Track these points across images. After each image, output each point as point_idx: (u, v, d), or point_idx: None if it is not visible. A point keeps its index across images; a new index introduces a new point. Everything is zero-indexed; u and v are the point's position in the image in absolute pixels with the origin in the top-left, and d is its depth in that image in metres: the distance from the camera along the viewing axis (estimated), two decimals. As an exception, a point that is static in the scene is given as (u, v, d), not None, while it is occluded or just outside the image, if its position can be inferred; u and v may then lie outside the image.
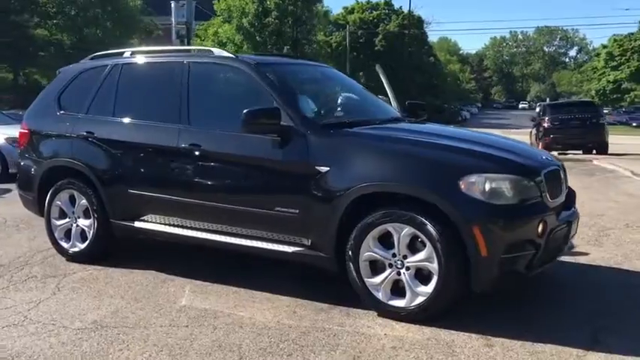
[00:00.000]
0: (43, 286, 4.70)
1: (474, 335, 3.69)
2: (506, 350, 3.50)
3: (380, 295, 3.99)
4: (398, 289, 3.97)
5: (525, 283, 4.39)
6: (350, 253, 4.04)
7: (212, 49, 5.21)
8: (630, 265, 5.24)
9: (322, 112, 4.80)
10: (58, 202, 5.39)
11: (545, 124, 19.16)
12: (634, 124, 48.63)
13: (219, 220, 4.59)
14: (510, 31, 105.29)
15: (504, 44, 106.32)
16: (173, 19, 21.85)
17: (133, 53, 5.38)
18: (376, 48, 60.32)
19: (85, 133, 5.20)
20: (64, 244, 5.42)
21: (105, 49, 6.18)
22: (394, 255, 3.93)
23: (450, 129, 5.37)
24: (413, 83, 55.17)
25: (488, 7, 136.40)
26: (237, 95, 4.89)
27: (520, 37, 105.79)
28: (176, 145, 4.70)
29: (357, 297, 4.14)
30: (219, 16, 33.43)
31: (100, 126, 5.16)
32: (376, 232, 3.95)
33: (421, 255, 3.82)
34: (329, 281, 4.55)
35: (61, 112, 5.46)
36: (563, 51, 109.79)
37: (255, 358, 3.41)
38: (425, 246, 3.80)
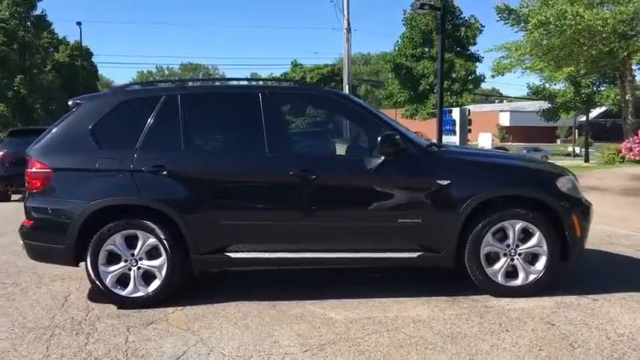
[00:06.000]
0: (167, 333, 4.30)
1: (578, 296, 4.97)
2: (608, 301, 4.88)
3: (499, 280, 4.98)
4: (509, 273, 5.01)
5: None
6: (470, 249, 4.93)
7: (293, 81, 5.45)
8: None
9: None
10: (111, 246, 4.86)
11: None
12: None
13: (335, 238, 4.94)
14: (156, 66, 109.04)
15: (151, 78, 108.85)
16: None
17: (187, 84, 5.23)
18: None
19: (152, 168, 4.86)
20: (119, 292, 4.89)
21: None
22: (508, 245, 4.97)
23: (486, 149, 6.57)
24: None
25: (135, 42, 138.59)
26: (336, 123, 5.28)
27: (167, 72, 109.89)
28: (283, 172, 4.86)
29: (451, 288, 5.05)
30: None
31: (173, 159, 4.90)
32: (494, 229, 4.94)
33: (533, 241, 4.95)
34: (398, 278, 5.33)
35: (102, 147, 4.94)
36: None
37: (491, 335, 4.09)
38: (534, 234, 4.94)
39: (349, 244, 4.97)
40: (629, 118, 25.76)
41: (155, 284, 4.90)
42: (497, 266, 4.98)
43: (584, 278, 5.58)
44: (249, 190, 4.96)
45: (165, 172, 4.85)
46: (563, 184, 5.05)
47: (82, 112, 5.10)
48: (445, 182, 4.90)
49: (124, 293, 4.90)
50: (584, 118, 44.11)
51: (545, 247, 4.94)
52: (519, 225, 4.93)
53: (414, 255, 4.93)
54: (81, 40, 51.92)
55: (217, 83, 5.39)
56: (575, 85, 37.08)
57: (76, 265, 5.02)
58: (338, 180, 4.98)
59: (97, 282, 4.89)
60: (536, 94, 38.82)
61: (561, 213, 4.93)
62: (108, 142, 4.98)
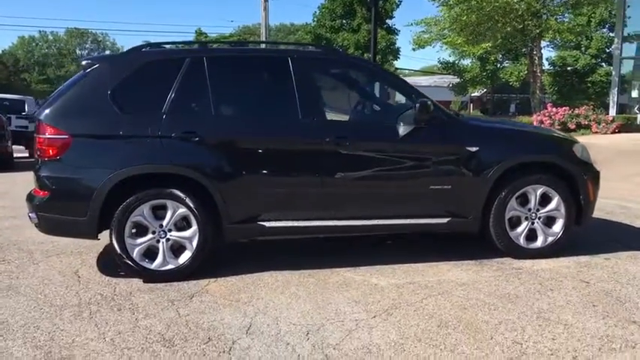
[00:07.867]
0: (218, 305, 4.11)
1: (590, 256, 5.29)
2: (619, 259, 5.24)
3: (521, 242, 5.19)
4: (528, 236, 5.23)
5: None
6: (495, 214, 5.10)
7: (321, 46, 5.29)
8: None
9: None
10: (138, 217, 4.58)
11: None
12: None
13: (370, 205, 4.94)
14: (40, 31, 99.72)
15: (34, 44, 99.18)
16: None
17: (209, 46, 4.97)
18: None
19: (182, 134, 4.61)
20: (148, 265, 4.65)
21: None
22: (529, 210, 5.18)
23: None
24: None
25: (15, 3, 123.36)
26: (368, 89, 5.21)
27: (51, 37, 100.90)
28: (319, 138, 4.78)
29: (471, 251, 5.23)
30: None
31: (204, 125, 4.67)
32: (518, 193, 5.13)
33: (552, 205, 5.19)
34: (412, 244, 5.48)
35: (125, 111, 4.62)
36: (96, 54, 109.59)
37: (540, 295, 4.27)
38: (553, 199, 5.18)
39: (383, 211, 4.98)
40: (537, 92, 27.26)
41: (185, 256, 4.69)
42: (519, 230, 5.18)
43: (580, 240, 5.91)
44: (284, 157, 4.81)
45: (197, 139, 4.62)
46: (578, 150, 5.32)
47: (99, 74, 4.72)
48: (474, 149, 5.01)
49: (152, 267, 4.65)
50: (476, 94, 46.49)
51: (562, 211, 5.19)
52: (540, 190, 5.15)
53: (444, 221, 5.03)
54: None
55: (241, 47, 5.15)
56: (481, 62, 38.83)
57: (97, 238, 4.71)
58: (373, 147, 4.94)
59: (123, 255, 4.60)
60: (446, 69, 40.25)
61: (578, 178, 5.20)
62: (131, 107, 4.66)
